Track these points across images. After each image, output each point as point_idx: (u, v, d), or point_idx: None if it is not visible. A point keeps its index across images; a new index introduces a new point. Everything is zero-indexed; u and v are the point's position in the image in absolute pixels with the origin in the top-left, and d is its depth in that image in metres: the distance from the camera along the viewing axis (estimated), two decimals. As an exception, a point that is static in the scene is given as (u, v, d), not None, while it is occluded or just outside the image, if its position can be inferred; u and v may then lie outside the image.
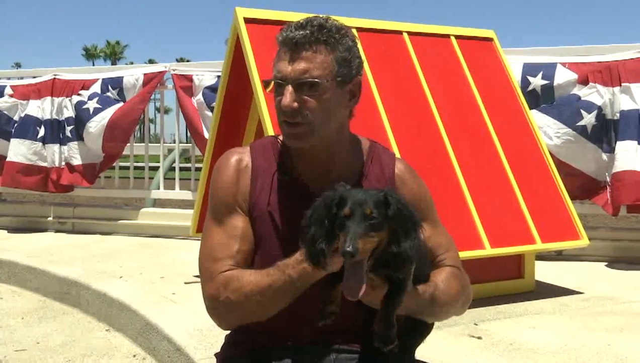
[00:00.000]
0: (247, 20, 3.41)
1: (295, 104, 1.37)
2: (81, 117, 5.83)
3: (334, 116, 1.42)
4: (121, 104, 5.84)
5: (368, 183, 1.48)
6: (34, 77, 6.41)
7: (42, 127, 6.03)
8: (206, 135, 5.18)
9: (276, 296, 1.34)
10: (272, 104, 1.44)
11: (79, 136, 5.88)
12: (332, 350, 1.44)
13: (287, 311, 1.36)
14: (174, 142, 6.80)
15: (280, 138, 1.53)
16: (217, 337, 2.41)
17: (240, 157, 1.50)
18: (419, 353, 1.47)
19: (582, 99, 4.47)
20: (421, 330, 1.44)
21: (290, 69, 1.37)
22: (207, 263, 1.43)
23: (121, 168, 6.62)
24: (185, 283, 3.84)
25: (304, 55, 1.37)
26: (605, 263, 4.54)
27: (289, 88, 1.37)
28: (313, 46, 1.37)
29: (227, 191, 1.46)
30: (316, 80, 1.36)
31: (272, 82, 1.42)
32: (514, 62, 4.45)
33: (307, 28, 1.38)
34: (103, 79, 5.99)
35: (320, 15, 1.44)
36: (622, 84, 4.39)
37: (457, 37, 3.99)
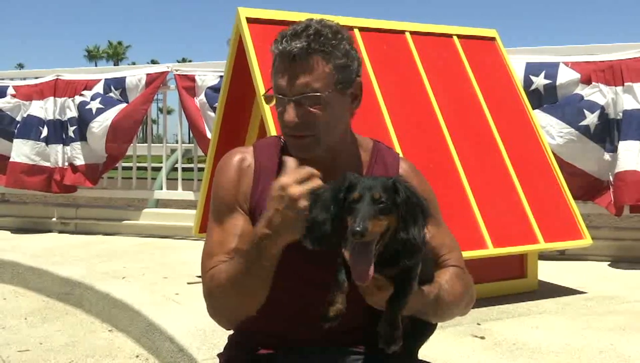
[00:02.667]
0: (250, 20, 3.41)
1: (298, 120, 1.35)
2: (84, 118, 5.85)
3: (339, 123, 1.41)
4: (124, 104, 5.85)
5: (372, 182, 1.47)
6: (37, 77, 6.43)
7: (45, 128, 6.04)
8: (209, 135, 5.18)
9: (245, 280, 1.31)
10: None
11: (82, 136, 5.90)
12: (336, 351, 1.44)
13: (290, 313, 1.36)
14: (177, 142, 6.81)
15: (283, 138, 1.53)
16: (220, 337, 2.42)
17: (242, 156, 1.49)
18: (422, 353, 1.47)
19: (585, 98, 4.47)
20: (424, 330, 1.44)
21: (290, 84, 1.35)
22: (205, 261, 1.43)
23: (124, 168, 6.63)
24: (188, 283, 3.84)
25: (302, 68, 1.34)
26: (608, 263, 4.53)
27: (291, 104, 1.35)
28: (311, 58, 1.34)
29: (228, 191, 1.45)
30: (317, 93, 1.34)
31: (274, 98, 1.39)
32: (516, 62, 4.44)
33: (303, 38, 1.34)
34: (106, 80, 6.01)
35: (314, 18, 1.41)
36: (625, 83, 4.39)
37: (460, 36, 3.98)
